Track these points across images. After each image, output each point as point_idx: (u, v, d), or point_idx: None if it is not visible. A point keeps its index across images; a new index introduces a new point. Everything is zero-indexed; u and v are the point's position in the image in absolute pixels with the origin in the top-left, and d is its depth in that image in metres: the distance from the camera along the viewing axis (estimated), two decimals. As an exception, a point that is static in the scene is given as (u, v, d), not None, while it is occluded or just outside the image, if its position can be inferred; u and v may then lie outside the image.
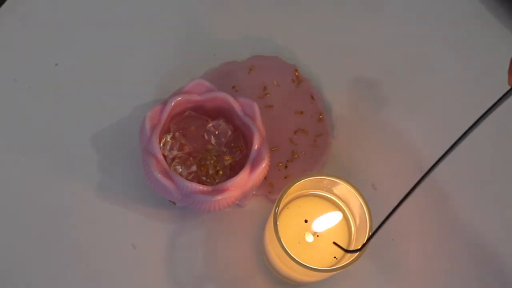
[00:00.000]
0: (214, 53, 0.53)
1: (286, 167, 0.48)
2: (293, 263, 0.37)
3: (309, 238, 0.41)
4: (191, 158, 0.45)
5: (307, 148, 0.49)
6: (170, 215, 0.47)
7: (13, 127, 0.49)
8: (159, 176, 0.42)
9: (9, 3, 0.54)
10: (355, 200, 0.39)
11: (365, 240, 0.38)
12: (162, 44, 0.53)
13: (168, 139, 0.45)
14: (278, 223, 0.38)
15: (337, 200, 0.42)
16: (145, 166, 0.43)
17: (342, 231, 0.42)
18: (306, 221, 0.42)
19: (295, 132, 0.50)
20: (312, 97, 0.51)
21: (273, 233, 0.38)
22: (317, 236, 0.42)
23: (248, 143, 0.45)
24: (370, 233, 0.38)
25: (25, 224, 0.46)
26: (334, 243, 0.40)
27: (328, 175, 0.40)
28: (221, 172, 0.45)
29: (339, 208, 0.43)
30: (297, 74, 0.52)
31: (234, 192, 0.42)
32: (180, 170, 0.45)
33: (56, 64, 0.52)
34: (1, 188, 0.47)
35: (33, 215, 0.46)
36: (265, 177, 0.47)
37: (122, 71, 0.52)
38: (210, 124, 0.46)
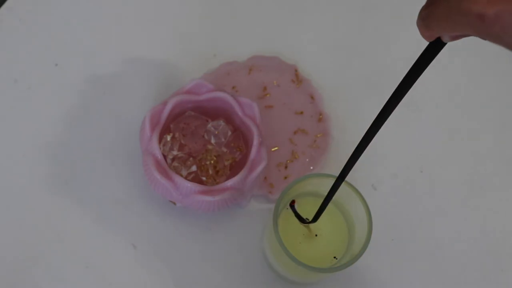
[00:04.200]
0: (214, 53, 0.53)
1: (286, 167, 0.48)
2: (293, 263, 0.37)
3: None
4: (191, 158, 0.45)
5: (307, 148, 0.49)
6: (170, 215, 0.47)
7: (13, 127, 0.49)
8: (159, 176, 0.42)
9: (9, 3, 0.54)
10: (355, 200, 0.39)
11: (365, 239, 0.38)
12: (162, 44, 0.53)
13: (168, 139, 0.45)
14: (278, 223, 0.38)
15: (337, 200, 0.42)
16: (145, 166, 0.43)
17: (342, 231, 0.42)
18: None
19: (295, 132, 0.50)
20: (312, 97, 0.51)
21: (273, 233, 0.38)
22: (316, 235, 0.42)
23: (248, 143, 0.45)
24: (370, 232, 0.38)
25: (24, 224, 0.46)
26: (291, 207, 0.40)
27: (328, 175, 0.40)
28: (221, 172, 0.45)
29: (339, 208, 0.43)
30: (297, 74, 0.52)
31: (233, 192, 0.42)
32: (180, 170, 0.45)
33: (56, 64, 0.52)
34: (1, 187, 0.47)
35: (33, 215, 0.46)
36: (265, 177, 0.47)
37: (122, 71, 0.52)
38: (210, 124, 0.46)
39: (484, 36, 0.22)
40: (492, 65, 0.56)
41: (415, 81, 0.29)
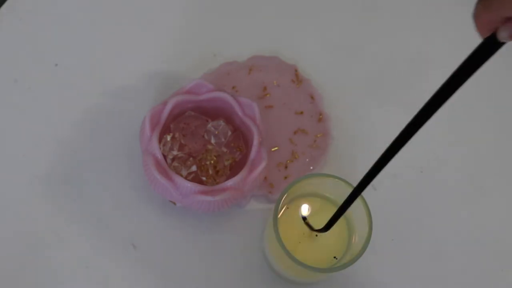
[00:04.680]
0: (214, 53, 0.53)
1: (286, 167, 0.48)
2: (293, 263, 0.37)
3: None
4: (191, 158, 0.45)
5: (307, 148, 0.49)
6: (170, 215, 0.47)
7: (13, 127, 0.49)
8: (159, 176, 0.42)
9: (9, 3, 0.54)
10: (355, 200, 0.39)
11: (365, 239, 0.38)
12: (162, 44, 0.53)
13: (168, 139, 0.45)
14: (278, 223, 0.38)
15: (337, 200, 0.42)
16: (145, 166, 0.43)
17: (342, 231, 0.42)
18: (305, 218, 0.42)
19: (295, 132, 0.50)
20: (312, 97, 0.51)
21: (273, 233, 0.38)
22: (316, 235, 0.42)
23: (248, 143, 0.45)
24: (370, 232, 0.38)
25: (24, 224, 0.46)
26: (306, 222, 0.41)
27: (328, 175, 0.40)
28: (221, 172, 0.45)
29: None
30: (297, 74, 0.52)
31: (233, 192, 0.42)
32: (180, 170, 0.45)
33: (56, 64, 0.52)
34: (0, 187, 0.47)
35: (33, 215, 0.46)
36: (265, 177, 0.47)
37: (122, 71, 0.52)
38: (210, 124, 0.46)
39: None
40: (492, 65, 0.55)
41: (460, 86, 0.25)
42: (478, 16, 0.22)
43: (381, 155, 0.32)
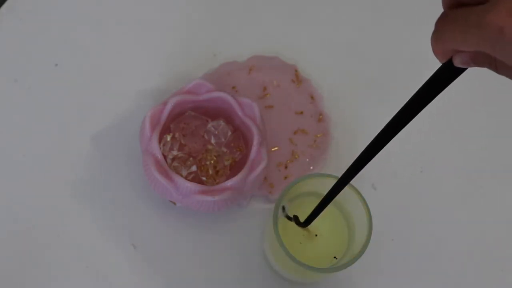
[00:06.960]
0: (214, 53, 0.53)
1: (286, 167, 0.48)
2: (293, 263, 0.37)
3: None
4: (191, 158, 0.45)
5: (307, 148, 0.49)
6: (170, 215, 0.47)
7: (13, 127, 0.49)
8: (159, 176, 0.42)
9: (9, 3, 0.54)
10: (355, 200, 0.39)
11: (365, 239, 0.38)
12: (162, 44, 0.53)
13: (168, 139, 0.45)
14: (278, 223, 0.38)
15: (336, 200, 0.42)
16: (145, 166, 0.43)
17: (342, 231, 0.42)
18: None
19: (295, 132, 0.50)
20: (312, 97, 0.51)
21: (273, 233, 0.38)
22: (316, 235, 0.42)
23: (248, 143, 0.45)
24: (370, 232, 0.38)
25: (25, 224, 0.46)
26: (296, 218, 0.40)
27: (328, 175, 0.40)
28: (221, 172, 0.45)
29: (339, 208, 0.43)
30: (297, 74, 0.52)
31: (233, 192, 0.42)
32: (180, 170, 0.45)
33: (56, 64, 0.52)
34: (0, 187, 0.47)
35: (33, 215, 0.46)
36: (265, 177, 0.47)
37: (122, 72, 0.52)
38: (210, 124, 0.46)
39: (498, 53, 0.21)
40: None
41: (420, 110, 0.27)
42: (432, 45, 0.24)
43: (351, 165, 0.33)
